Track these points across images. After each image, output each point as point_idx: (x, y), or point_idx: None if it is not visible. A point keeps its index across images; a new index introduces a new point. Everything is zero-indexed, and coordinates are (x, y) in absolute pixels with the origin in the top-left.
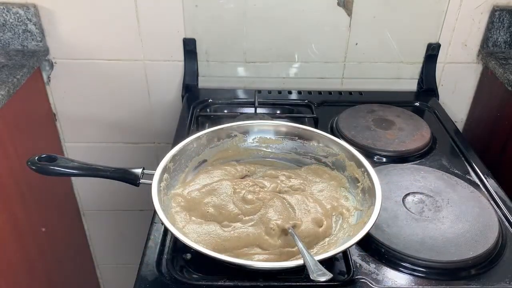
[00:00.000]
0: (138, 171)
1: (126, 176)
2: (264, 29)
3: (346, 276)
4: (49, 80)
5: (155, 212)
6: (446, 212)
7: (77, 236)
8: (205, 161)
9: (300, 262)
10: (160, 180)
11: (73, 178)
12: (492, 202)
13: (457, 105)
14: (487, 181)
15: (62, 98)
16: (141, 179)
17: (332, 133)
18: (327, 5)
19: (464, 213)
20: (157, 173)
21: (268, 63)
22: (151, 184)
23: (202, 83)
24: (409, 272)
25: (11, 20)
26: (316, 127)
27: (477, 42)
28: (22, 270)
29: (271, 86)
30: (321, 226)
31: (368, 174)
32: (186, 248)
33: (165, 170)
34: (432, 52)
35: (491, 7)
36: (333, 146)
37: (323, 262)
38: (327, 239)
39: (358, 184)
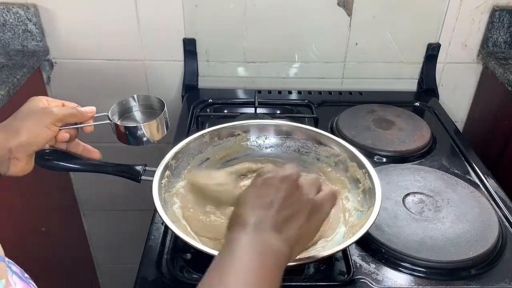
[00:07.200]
0: (140, 167)
1: (128, 172)
2: (264, 29)
3: (346, 276)
4: (49, 80)
5: (155, 212)
6: (446, 212)
7: (77, 236)
8: (207, 159)
9: (299, 261)
10: (162, 177)
11: (73, 178)
12: (492, 202)
13: (457, 105)
14: (487, 181)
15: (62, 98)
16: (143, 175)
17: (332, 133)
18: (327, 5)
19: (464, 213)
20: (159, 170)
21: (268, 63)
22: (152, 180)
23: (202, 83)
24: (409, 272)
25: (11, 20)
26: (316, 127)
27: (477, 42)
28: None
29: (271, 86)
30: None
31: (369, 176)
32: (186, 248)
33: (167, 167)
34: (432, 52)
35: (491, 7)
36: (336, 147)
37: (323, 261)
38: (328, 239)
39: (359, 185)
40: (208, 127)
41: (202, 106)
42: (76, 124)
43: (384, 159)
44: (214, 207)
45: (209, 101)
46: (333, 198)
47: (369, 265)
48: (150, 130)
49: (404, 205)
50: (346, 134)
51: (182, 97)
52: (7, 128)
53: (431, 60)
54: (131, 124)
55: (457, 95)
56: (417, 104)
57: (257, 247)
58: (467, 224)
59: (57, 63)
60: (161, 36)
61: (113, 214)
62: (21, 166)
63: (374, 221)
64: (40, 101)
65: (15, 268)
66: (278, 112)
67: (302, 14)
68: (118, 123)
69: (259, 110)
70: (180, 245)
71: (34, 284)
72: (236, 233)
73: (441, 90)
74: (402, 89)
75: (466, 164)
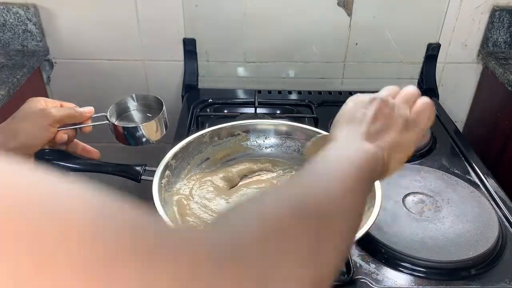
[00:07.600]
0: (140, 167)
1: (128, 172)
2: (264, 29)
3: (346, 276)
4: (49, 80)
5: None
6: (446, 212)
7: None
8: (207, 159)
9: None
10: (162, 177)
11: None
12: (492, 202)
13: (457, 105)
14: (487, 181)
15: (62, 98)
16: (143, 175)
17: None
18: (327, 5)
19: (464, 213)
20: (159, 169)
21: (268, 63)
22: (152, 180)
23: (202, 83)
24: (409, 272)
25: (11, 20)
26: (316, 127)
27: (477, 42)
28: None
29: (271, 86)
30: None
31: None
32: None
33: (167, 167)
34: (432, 52)
35: (491, 7)
36: None
37: None
38: None
39: None
40: (208, 127)
41: (202, 106)
42: (74, 124)
43: None
44: None
45: (209, 101)
46: (427, 109)
47: (369, 265)
48: (149, 130)
49: (404, 205)
50: None
51: (182, 97)
52: (6, 130)
53: (431, 60)
54: (129, 124)
55: (457, 95)
56: None
57: (347, 151)
58: (467, 224)
59: (57, 63)
60: (161, 36)
61: None
62: None
63: (374, 221)
64: (38, 102)
65: None
66: (278, 112)
67: (302, 14)
68: (116, 123)
69: (259, 110)
70: None
71: None
72: (324, 149)
73: (441, 90)
74: None
75: (466, 164)
